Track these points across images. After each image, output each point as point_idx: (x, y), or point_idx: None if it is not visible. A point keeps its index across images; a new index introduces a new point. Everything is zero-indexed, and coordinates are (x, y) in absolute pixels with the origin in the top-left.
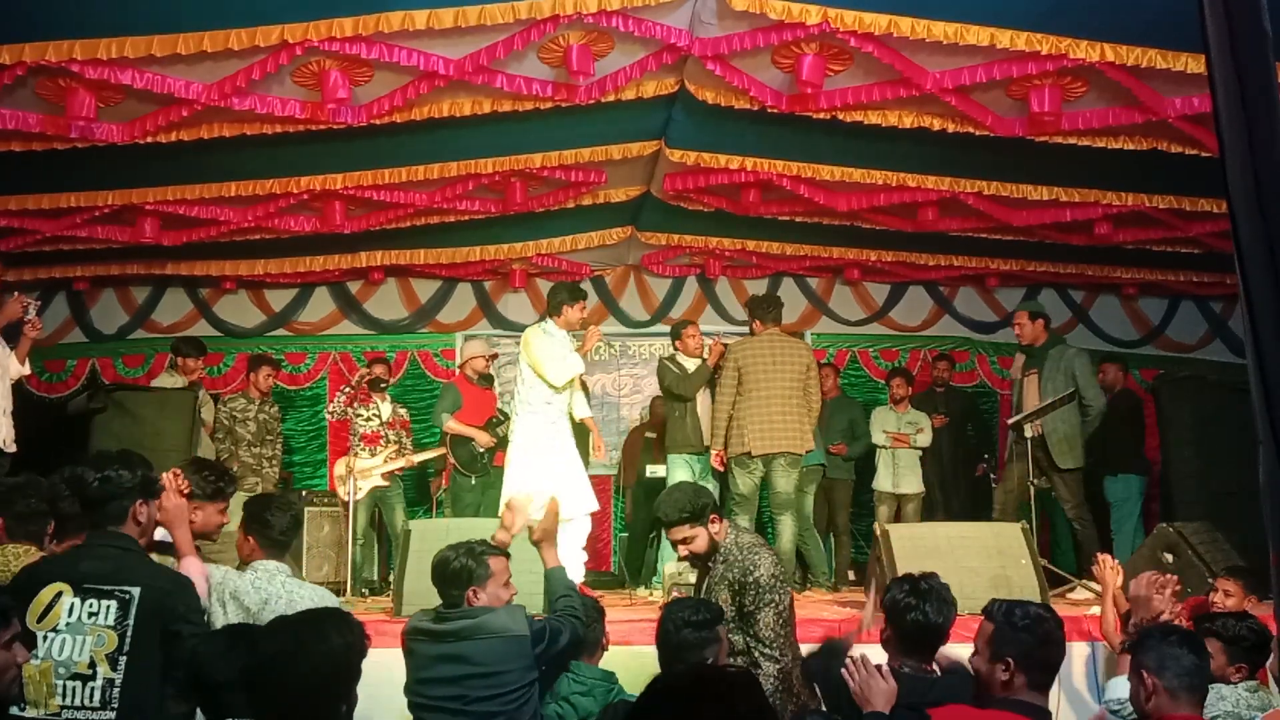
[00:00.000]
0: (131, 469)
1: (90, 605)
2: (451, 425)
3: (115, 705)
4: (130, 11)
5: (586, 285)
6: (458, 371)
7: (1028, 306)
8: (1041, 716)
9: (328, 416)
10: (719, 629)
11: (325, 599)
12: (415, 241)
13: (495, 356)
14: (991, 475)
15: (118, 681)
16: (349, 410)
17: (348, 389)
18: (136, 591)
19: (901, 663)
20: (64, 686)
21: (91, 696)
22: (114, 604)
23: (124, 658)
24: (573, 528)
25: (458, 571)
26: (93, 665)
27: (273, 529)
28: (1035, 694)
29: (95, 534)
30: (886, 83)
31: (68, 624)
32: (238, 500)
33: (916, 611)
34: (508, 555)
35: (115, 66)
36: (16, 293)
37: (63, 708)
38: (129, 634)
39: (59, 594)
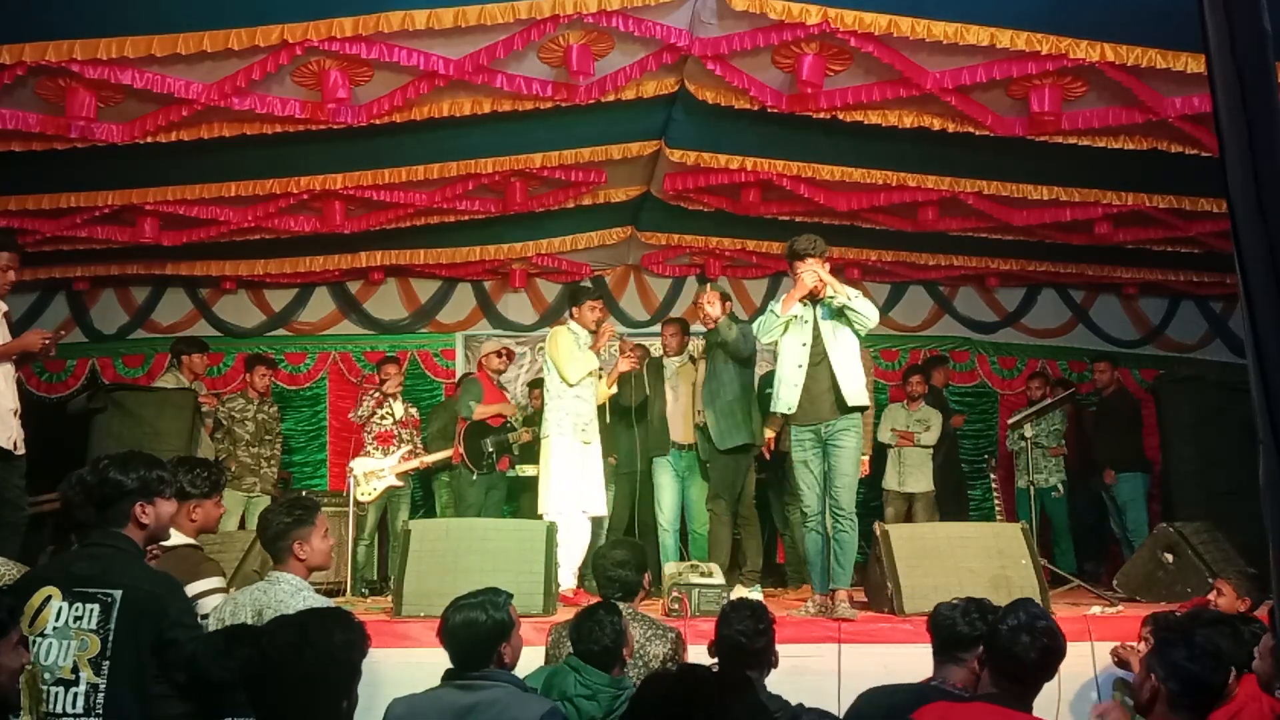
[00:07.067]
0: (129, 471)
1: (76, 609)
2: (480, 410)
3: (100, 711)
4: (130, 11)
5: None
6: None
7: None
8: (1021, 706)
9: (353, 419)
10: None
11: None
12: (415, 241)
13: (511, 355)
14: (991, 475)
15: (102, 686)
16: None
17: (376, 393)
18: (118, 594)
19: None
20: (49, 692)
21: (75, 702)
22: (97, 607)
23: (107, 662)
24: (582, 530)
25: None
26: (76, 670)
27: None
28: (1018, 688)
29: (95, 533)
30: (886, 83)
31: (55, 628)
32: (236, 501)
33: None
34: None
35: (115, 66)
36: (61, 330)
37: (48, 714)
38: (110, 638)
39: (48, 598)
